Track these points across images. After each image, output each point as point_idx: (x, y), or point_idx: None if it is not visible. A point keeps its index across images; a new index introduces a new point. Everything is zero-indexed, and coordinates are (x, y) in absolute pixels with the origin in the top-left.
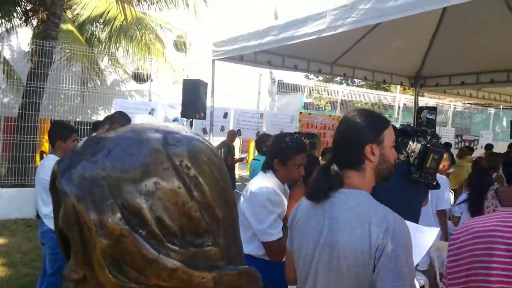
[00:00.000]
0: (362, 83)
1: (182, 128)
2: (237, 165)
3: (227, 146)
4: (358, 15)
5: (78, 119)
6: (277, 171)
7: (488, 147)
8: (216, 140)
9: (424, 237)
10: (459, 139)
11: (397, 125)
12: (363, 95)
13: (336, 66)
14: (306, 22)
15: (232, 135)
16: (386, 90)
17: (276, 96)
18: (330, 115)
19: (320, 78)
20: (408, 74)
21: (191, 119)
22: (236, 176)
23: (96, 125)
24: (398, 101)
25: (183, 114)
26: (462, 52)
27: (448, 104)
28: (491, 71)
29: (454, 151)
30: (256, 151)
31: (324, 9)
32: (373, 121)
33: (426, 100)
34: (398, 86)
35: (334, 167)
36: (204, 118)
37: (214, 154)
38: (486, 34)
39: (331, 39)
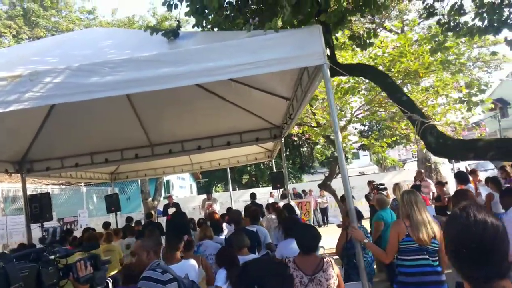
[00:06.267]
0: None
1: None
2: None
3: None
4: (44, 90)
5: None
6: None
7: (107, 224)
8: None
9: None
10: (62, 222)
11: None
12: None
13: None
14: None
15: None
16: None
17: None
18: None
19: None
20: (12, 159)
21: None
22: None
23: None
24: None
25: None
26: (75, 135)
27: (46, 188)
28: (105, 151)
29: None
30: None
31: None
32: None
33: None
34: None
35: None
36: None
37: None
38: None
39: None
